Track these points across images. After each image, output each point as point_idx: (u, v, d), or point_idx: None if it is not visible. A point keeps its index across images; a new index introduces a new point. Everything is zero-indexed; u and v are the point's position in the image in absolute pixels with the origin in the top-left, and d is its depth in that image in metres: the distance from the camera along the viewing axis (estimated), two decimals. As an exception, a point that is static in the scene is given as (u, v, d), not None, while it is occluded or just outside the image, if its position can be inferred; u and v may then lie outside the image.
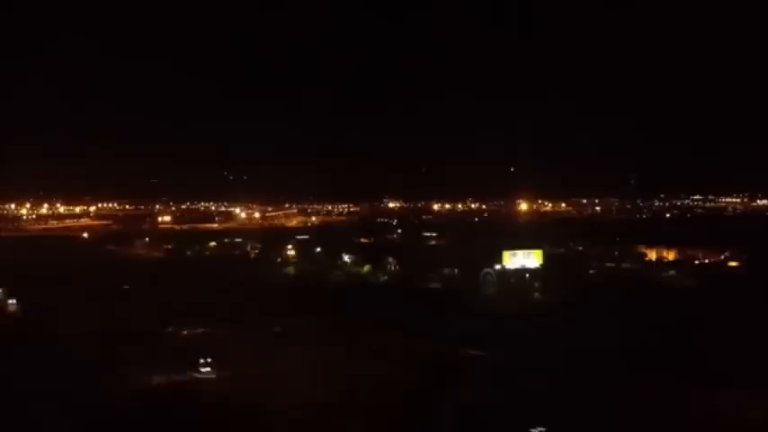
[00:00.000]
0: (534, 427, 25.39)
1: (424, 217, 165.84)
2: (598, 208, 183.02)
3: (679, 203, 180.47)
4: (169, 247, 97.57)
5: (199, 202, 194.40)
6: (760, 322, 39.73)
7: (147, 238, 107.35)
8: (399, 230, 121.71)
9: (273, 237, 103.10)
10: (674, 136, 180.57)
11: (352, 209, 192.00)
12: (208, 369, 35.04)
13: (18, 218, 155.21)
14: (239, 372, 34.85)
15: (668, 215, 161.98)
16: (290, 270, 77.30)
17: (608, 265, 73.43)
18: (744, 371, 31.14)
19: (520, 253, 68.17)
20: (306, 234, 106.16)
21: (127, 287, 61.24)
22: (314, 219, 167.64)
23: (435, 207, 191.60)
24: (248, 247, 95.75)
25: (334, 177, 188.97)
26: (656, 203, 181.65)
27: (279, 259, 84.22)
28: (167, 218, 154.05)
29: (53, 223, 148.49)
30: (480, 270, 64.98)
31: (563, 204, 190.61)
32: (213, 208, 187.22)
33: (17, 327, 47.48)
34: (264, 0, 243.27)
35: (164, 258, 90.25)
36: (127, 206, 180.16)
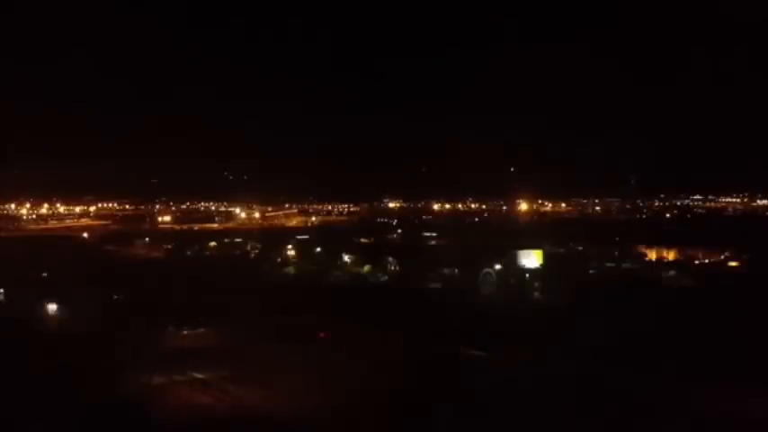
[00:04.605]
0: None
1: (424, 217, 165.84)
2: (598, 208, 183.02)
3: (679, 203, 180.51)
4: (169, 246, 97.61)
5: (199, 202, 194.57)
6: (761, 321, 39.75)
7: (147, 238, 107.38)
8: (399, 230, 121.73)
9: (273, 237, 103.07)
10: (674, 136, 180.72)
11: (352, 209, 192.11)
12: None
13: (18, 218, 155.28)
14: (239, 372, 34.81)
15: (668, 215, 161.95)
16: (291, 270, 77.29)
17: (608, 264, 73.39)
18: (745, 370, 31.16)
19: (520, 253, 68.39)
20: (306, 234, 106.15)
21: (126, 287, 61.12)
22: (314, 219, 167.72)
23: (435, 207, 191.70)
24: (248, 247, 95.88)
25: (335, 177, 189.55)
26: (656, 203, 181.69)
27: (279, 259, 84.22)
28: (167, 218, 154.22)
29: (53, 223, 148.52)
30: (480, 270, 65.01)
31: (563, 204, 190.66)
32: (213, 208, 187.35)
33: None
34: (263, 2, 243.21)
35: (164, 258, 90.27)
36: (127, 206, 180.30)
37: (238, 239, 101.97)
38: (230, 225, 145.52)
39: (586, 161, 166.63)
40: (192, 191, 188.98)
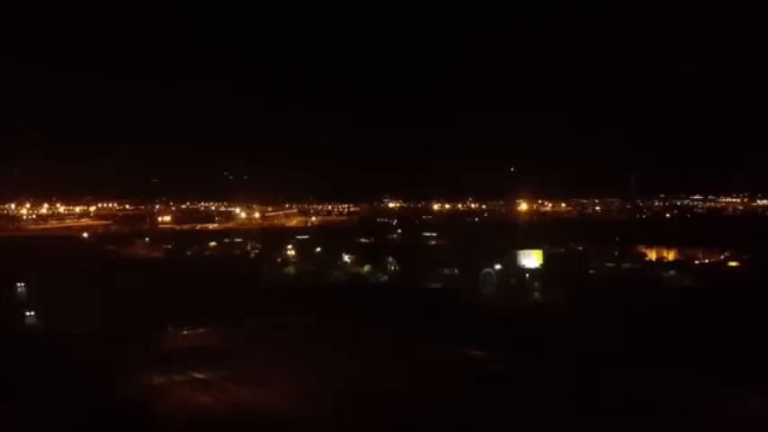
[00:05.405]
0: None
1: (424, 217, 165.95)
2: (598, 208, 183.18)
3: (679, 203, 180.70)
4: (169, 247, 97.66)
5: (199, 202, 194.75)
6: (760, 321, 39.76)
7: (147, 238, 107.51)
8: (399, 230, 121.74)
9: (273, 237, 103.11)
10: (675, 135, 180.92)
11: (352, 209, 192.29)
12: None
13: (18, 218, 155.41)
14: (239, 372, 34.78)
15: (668, 215, 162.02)
16: (291, 270, 77.27)
17: (608, 264, 73.30)
18: (746, 370, 31.16)
19: (520, 253, 68.33)
20: (306, 234, 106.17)
21: (126, 287, 61.12)
22: (314, 219, 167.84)
23: (435, 207, 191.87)
24: (248, 247, 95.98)
25: (334, 177, 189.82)
26: (656, 203, 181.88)
27: (279, 259, 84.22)
28: (167, 218, 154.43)
29: (53, 223, 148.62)
30: (480, 270, 64.97)
31: (563, 204, 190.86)
32: (213, 208, 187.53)
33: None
34: (262, 2, 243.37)
35: (164, 258, 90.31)
36: (127, 206, 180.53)
37: (238, 239, 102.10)
38: (230, 225, 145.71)
39: (586, 161, 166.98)
40: (192, 191, 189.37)
